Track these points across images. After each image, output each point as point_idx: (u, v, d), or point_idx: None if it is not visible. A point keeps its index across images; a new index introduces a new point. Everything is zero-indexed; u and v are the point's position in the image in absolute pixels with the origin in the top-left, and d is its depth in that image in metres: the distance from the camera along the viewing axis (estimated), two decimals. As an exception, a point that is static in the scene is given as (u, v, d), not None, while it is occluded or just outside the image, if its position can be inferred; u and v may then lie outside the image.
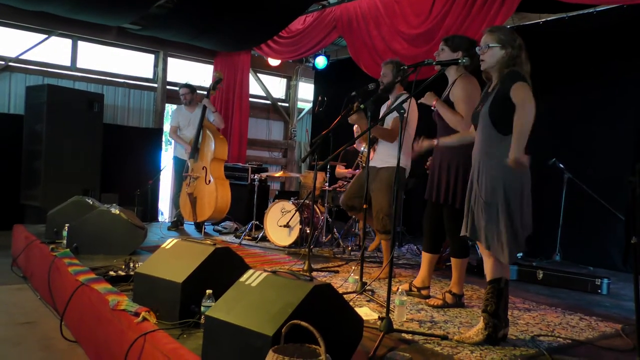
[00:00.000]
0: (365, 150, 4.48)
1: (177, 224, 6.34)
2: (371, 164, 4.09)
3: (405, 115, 2.84)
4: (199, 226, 6.14)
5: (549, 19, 5.69)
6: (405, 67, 3.98)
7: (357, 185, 4.25)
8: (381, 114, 4.04)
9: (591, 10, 5.35)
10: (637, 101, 5.29)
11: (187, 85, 6.32)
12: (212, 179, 5.93)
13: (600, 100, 5.51)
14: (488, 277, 2.70)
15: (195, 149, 6.03)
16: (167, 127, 8.60)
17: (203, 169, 5.99)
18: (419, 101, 3.47)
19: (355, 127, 5.16)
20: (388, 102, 4.26)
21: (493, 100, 2.63)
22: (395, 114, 3.94)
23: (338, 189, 5.70)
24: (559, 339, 2.89)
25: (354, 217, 4.42)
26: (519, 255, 5.39)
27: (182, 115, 6.34)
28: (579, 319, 3.37)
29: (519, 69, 2.62)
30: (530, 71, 2.66)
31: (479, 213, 2.68)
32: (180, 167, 6.24)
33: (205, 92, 6.27)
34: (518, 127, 2.54)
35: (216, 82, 6.20)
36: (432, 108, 3.39)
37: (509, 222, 2.59)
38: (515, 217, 2.61)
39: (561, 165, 5.41)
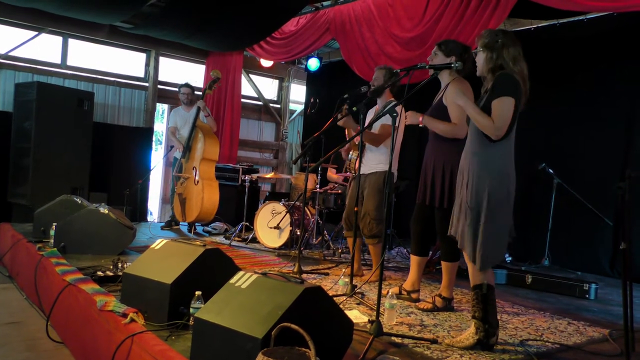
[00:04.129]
0: (352, 157, 4.49)
1: (170, 224, 6.32)
2: (360, 171, 4.10)
3: (397, 118, 2.84)
4: (189, 227, 6.12)
5: (540, 25, 5.73)
6: (398, 71, 4.00)
7: (354, 201, 4.25)
8: (368, 121, 4.05)
9: (582, 18, 5.40)
10: (626, 107, 5.35)
11: (188, 85, 6.40)
12: (200, 180, 5.90)
13: (590, 106, 5.56)
14: (471, 283, 2.72)
15: (187, 149, 6.02)
16: (157, 127, 8.57)
17: (193, 169, 5.97)
18: (406, 122, 3.47)
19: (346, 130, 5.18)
20: (376, 108, 4.27)
21: (482, 107, 2.64)
22: (383, 120, 3.98)
23: (329, 191, 5.69)
24: (547, 343, 2.90)
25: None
26: (508, 259, 5.42)
27: (180, 116, 6.36)
28: (567, 323, 3.39)
29: (509, 71, 2.61)
30: (523, 71, 2.63)
31: (462, 217, 2.69)
32: (178, 167, 6.25)
33: (202, 91, 6.26)
34: (482, 115, 2.59)
35: (213, 81, 6.20)
36: (420, 125, 3.37)
37: (490, 229, 2.59)
38: (498, 224, 2.60)
39: (550, 171, 5.45)
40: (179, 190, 6.05)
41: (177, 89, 6.70)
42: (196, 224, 6.15)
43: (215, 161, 6.18)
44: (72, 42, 7.36)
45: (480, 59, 2.68)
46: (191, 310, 2.43)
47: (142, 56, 8.04)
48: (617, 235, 5.18)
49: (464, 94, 3.18)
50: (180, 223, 6.35)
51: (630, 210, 2.59)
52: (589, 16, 5.34)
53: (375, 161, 4.11)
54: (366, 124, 3.91)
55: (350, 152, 4.61)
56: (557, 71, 5.67)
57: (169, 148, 7.11)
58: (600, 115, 5.49)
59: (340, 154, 5.92)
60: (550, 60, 5.64)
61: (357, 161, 3.99)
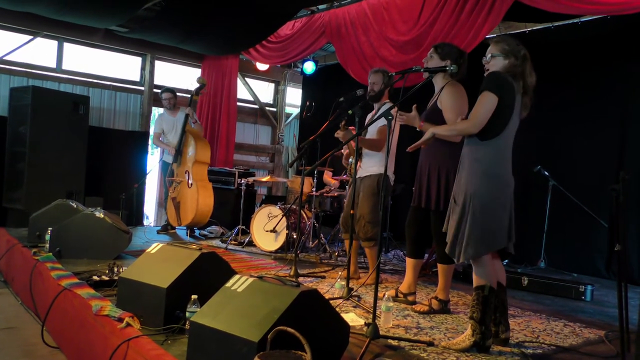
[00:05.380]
0: (352, 162, 4.50)
1: (166, 228, 6.31)
2: (357, 175, 4.11)
3: (393, 121, 2.85)
4: (186, 230, 6.12)
5: (534, 28, 5.76)
6: (393, 74, 4.01)
7: (350, 204, 4.26)
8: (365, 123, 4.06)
9: (576, 21, 5.43)
10: (620, 109, 5.38)
11: (170, 90, 6.38)
12: (193, 183, 5.90)
13: (585, 108, 5.59)
14: (473, 284, 2.72)
15: (179, 153, 6.03)
16: (153, 131, 8.55)
17: (185, 172, 5.97)
18: (403, 122, 3.43)
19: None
20: (373, 112, 4.28)
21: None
22: (379, 124, 3.99)
23: (325, 194, 5.70)
24: (543, 345, 2.91)
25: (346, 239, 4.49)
26: (504, 262, 5.43)
27: (166, 121, 6.36)
28: (563, 325, 3.40)
29: (502, 72, 2.65)
30: (535, 82, 2.69)
31: (450, 214, 2.74)
32: (170, 172, 6.24)
33: (189, 97, 6.27)
34: (454, 125, 2.81)
35: (199, 88, 6.24)
36: (418, 129, 3.37)
37: (472, 228, 2.61)
38: (478, 224, 2.61)
39: (546, 173, 5.47)
40: (173, 194, 6.05)
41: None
42: (192, 228, 6.14)
43: (207, 164, 6.19)
44: (67, 46, 7.35)
45: (499, 64, 2.68)
46: (187, 314, 2.43)
47: (137, 60, 8.03)
48: (612, 237, 5.20)
49: (452, 106, 3.22)
50: (176, 228, 6.33)
51: (624, 212, 2.60)
52: (583, 19, 5.38)
53: (370, 164, 4.12)
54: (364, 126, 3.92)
55: (350, 158, 4.61)
56: (552, 74, 5.68)
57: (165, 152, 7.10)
58: (594, 118, 5.52)
59: (336, 157, 5.94)
60: (545, 63, 5.64)
61: (354, 165, 3.99)
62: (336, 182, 5.91)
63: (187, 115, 6.05)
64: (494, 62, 2.70)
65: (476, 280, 2.69)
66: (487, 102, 2.57)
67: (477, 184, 2.62)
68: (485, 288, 2.66)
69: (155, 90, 8.04)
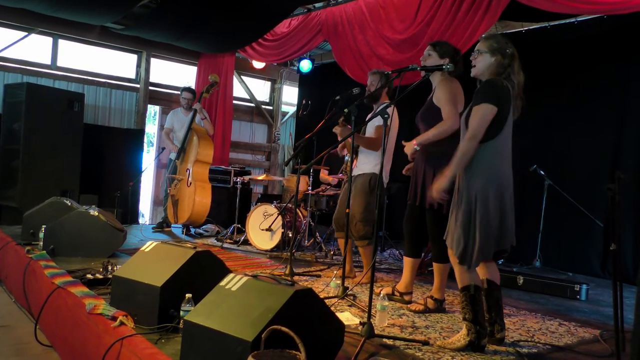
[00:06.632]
0: (347, 159, 4.50)
1: (162, 226, 6.30)
2: (351, 173, 4.10)
3: (389, 120, 2.84)
4: (182, 228, 6.11)
5: (531, 27, 5.77)
6: (389, 73, 4.01)
7: (344, 202, 4.25)
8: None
9: (572, 20, 5.44)
10: (616, 109, 5.39)
11: (190, 90, 6.36)
12: (192, 182, 5.89)
13: (581, 108, 5.59)
14: (459, 286, 2.73)
15: (182, 150, 6.02)
16: (149, 129, 8.52)
17: (186, 171, 5.96)
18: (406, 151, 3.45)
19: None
20: (371, 113, 4.27)
21: (469, 109, 2.66)
22: (377, 122, 3.98)
23: (321, 192, 5.68)
24: (538, 344, 2.91)
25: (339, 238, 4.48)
26: (500, 261, 5.43)
27: (178, 119, 6.35)
28: (559, 324, 3.40)
29: (498, 79, 2.63)
30: (523, 81, 2.68)
31: (453, 217, 2.72)
32: (172, 169, 6.24)
33: (200, 94, 6.26)
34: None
35: (211, 85, 6.22)
36: (416, 147, 3.37)
37: (480, 229, 2.60)
38: (488, 224, 2.60)
39: (542, 172, 5.47)
40: (172, 191, 6.04)
41: (168, 91, 6.66)
42: (188, 226, 6.13)
43: (209, 164, 6.16)
44: (62, 42, 7.31)
45: (486, 61, 2.66)
46: (181, 313, 2.41)
47: (133, 57, 7.99)
48: (607, 237, 5.21)
49: (448, 99, 3.21)
50: (172, 225, 6.33)
51: (620, 212, 2.60)
52: (579, 18, 5.38)
53: (364, 162, 4.11)
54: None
55: (346, 154, 4.62)
56: (548, 73, 5.70)
57: (161, 150, 7.07)
58: (590, 117, 5.53)
59: (333, 155, 5.93)
60: (541, 63, 5.67)
61: (350, 162, 3.98)
62: (334, 178, 5.89)
63: (195, 112, 6.04)
64: (481, 58, 2.68)
65: (460, 281, 2.70)
66: (485, 114, 2.55)
67: (480, 184, 2.60)
68: (470, 287, 2.67)
69: (151, 88, 8.00)
